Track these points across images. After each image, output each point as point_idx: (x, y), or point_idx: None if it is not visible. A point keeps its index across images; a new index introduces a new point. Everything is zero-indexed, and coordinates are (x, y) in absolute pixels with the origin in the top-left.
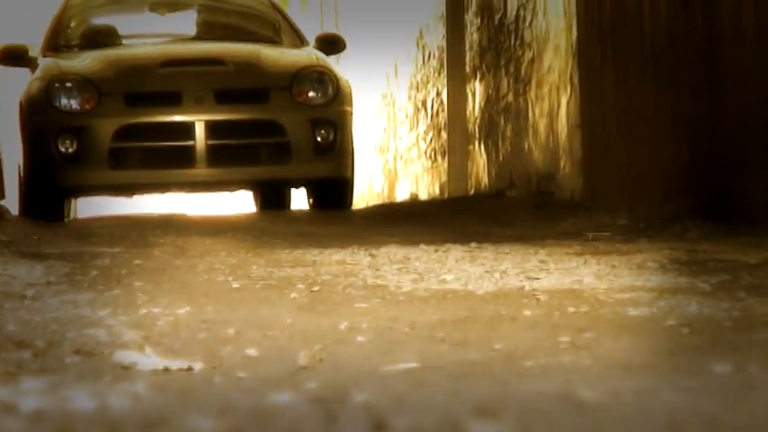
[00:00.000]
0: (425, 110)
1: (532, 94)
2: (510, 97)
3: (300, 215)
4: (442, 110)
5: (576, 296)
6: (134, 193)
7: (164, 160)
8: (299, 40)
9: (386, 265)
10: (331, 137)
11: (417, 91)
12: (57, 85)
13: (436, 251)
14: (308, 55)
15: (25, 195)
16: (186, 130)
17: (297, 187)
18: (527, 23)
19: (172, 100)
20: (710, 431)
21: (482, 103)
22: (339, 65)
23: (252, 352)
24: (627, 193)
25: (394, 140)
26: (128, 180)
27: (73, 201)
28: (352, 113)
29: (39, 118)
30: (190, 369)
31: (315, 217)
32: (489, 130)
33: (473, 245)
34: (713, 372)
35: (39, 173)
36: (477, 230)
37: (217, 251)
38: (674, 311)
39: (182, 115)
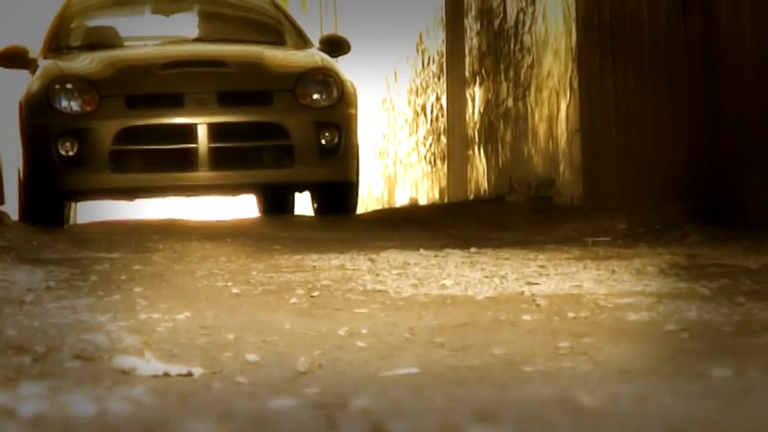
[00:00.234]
0: (425, 114)
1: (532, 98)
2: (509, 102)
3: (300, 220)
4: (442, 115)
5: (575, 301)
6: (135, 197)
7: (165, 163)
8: (303, 42)
9: (385, 270)
10: (335, 140)
11: (417, 96)
12: (57, 86)
13: (436, 256)
14: (313, 57)
15: (25, 199)
16: (188, 132)
17: (301, 191)
18: (526, 28)
19: (174, 102)
20: None
21: (482, 108)
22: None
23: (251, 357)
24: (626, 197)
25: (393, 145)
26: (129, 183)
27: (73, 205)
28: (357, 116)
29: (39, 120)
30: (189, 374)
31: (314, 222)
32: (489, 135)
33: (473, 250)
34: (713, 376)
35: (39, 176)
36: (476, 235)
37: (216, 256)
38: (674, 316)
39: (184, 117)
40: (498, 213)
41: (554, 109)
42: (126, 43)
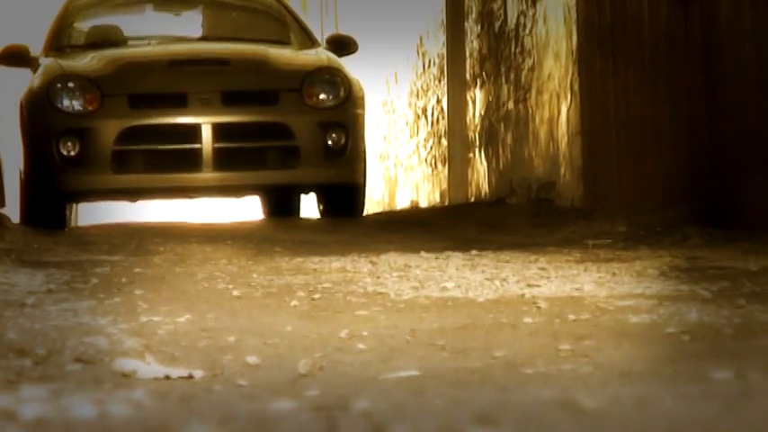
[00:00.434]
0: (426, 117)
1: (533, 101)
2: (510, 105)
3: (300, 223)
4: (443, 117)
5: (576, 303)
6: (138, 198)
7: (169, 164)
8: (310, 41)
9: (386, 272)
10: (342, 141)
11: (417, 98)
12: (59, 85)
13: (436, 259)
14: (319, 56)
15: (26, 200)
16: (192, 132)
17: (306, 193)
18: (527, 31)
19: (177, 101)
20: None
21: (482, 111)
22: None
23: (252, 360)
24: (627, 200)
25: (394, 148)
26: (131, 184)
27: (74, 207)
28: (364, 117)
29: (40, 119)
30: (190, 377)
31: (315, 225)
32: (489, 138)
33: (473, 252)
34: (714, 379)
35: (39, 176)
36: (477, 238)
37: (217, 259)
38: (675, 319)
39: (188, 117)
40: (499, 216)
41: (554, 111)
42: (129, 42)
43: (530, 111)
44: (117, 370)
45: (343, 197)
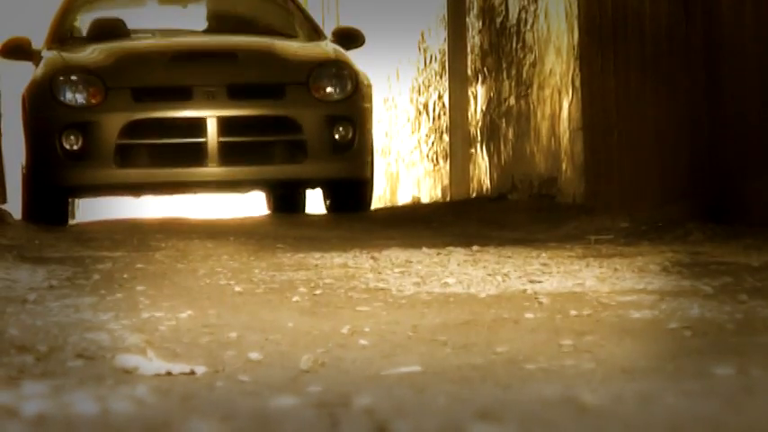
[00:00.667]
0: (427, 113)
1: (534, 97)
2: (512, 100)
3: (302, 219)
4: (444, 113)
5: (578, 299)
6: (142, 193)
7: (173, 158)
8: (316, 34)
9: (388, 268)
10: (349, 135)
11: (419, 94)
12: (61, 78)
13: (438, 254)
14: (326, 49)
15: (28, 195)
16: (197, 126)
17: (313, 188)
18: (528, 26)
19: (182, 95)
20: None
21: (484, 107)
22: None
23: (254, 356)
24: (628, 195)
25: (396, 144)
26: (135, 179)
27: (76, 202)
28: (371, 110)
29: (42, 113)
30: (192, 373)
31: (317, 220)
32: (491, 134)
33: (475, 248)
34: (715, 375)
35: (42, 171)
36: (478, 234)
37: (218, 255)
38: (677, 314)
39: (193, 111)
40: (500, 212)
41: (556, 107)
42: (132, 35)
43: (531, 106)
44: (119, 366)
45: (351, 192)
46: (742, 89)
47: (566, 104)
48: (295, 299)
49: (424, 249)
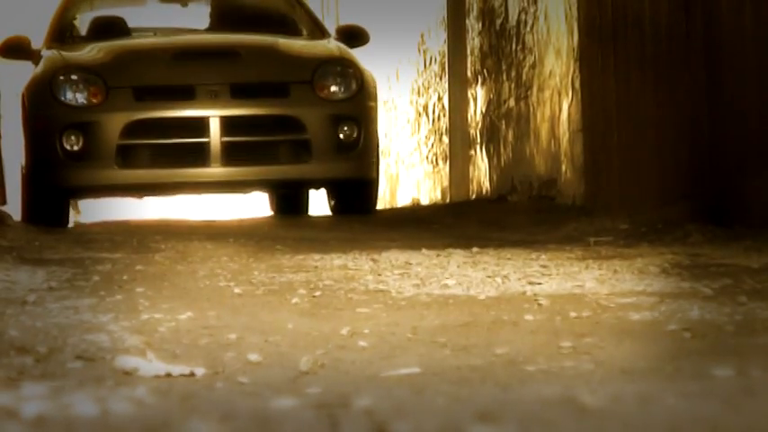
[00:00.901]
0: (427, 115)
1: (534, 98)
2: (511, 102)
3: (302, 220)
4: (444, 114)
5: (577, 301)
6: (144, 194)
7: (176, 158)
8: (320, 32)
9: (387, 270)
10: (354, 134)
11: (419, 96)
12: (61, 77)
13: (438, 256)
14: (330, 47)
15: (27, 197)
16: (200, 126)
17: (317, 188)
18: (528, 28)
19: (184, 94)
20: None
21: (483, 108)
22: None
23: (254, 357)
24: (628, 197)
25: (395, 145)
26: (137, 180)
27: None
28: (377, 109)
29: (42, 113)
30: (192, 374)
31: (316, 222)
32: (491, 135)
33: (475, 250)
34: (715, 376)
35: (42, 172)
36: (478, 235)
37: (218, 256)
38: (676, 316)
39: (195, 110)
40: (500, 213)
41: (556, 109)
42: (133, 33)
43: (531, 108)
44: (118, 367)
45: (356, 193)
46: (742, 89)
47: (565, 106)
48: (294, 300)
49: (424, 251)
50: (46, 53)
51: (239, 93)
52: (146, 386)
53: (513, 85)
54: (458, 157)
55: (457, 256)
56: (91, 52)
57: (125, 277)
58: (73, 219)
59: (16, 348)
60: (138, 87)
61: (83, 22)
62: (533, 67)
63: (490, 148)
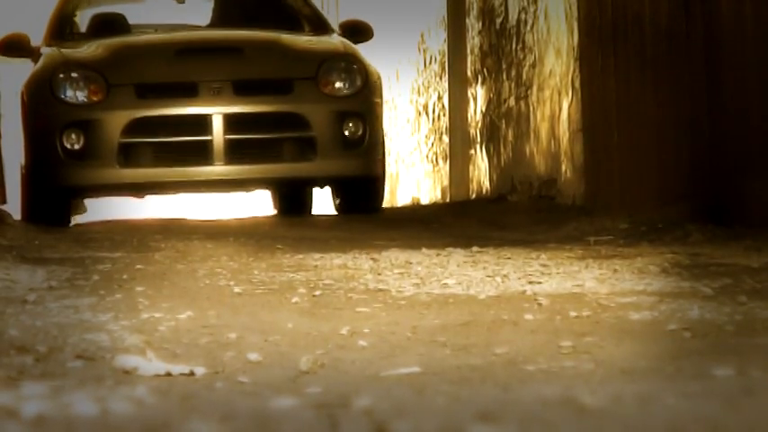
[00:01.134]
0: (427, 114)
1: (534, 98)
2: (511, 101)
3: (302, 219)
4: (444, 114)
5: (577, 300)
6: (146, 194)
7: (178, 157)
8: (324, 27)
9: (387, 269)
10: (360, 131)
11: (419, 95)
12: (61, 75)
13: (438, 255)
14: (335, 42)
15: (28, 196)
16: (203, 123)
17: (322, 186)
18: (528, 27)
19: (187, 91)
20: None
21: (483, 108)
22: None
23: (253, 357)
24: (628, 197)
25: (395, 144)
26: (139, 178)
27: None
28: (382, 106)
29: (42, 111)
30: (191, 374)
31: (316, 221)
32: (491, 135)
33: (474, 249)
34: (715, 376)
35: (42, 171)
36: (478, 235)
37: (218, 256)
38: (676, 316)
39: (198, 108)
40: (500, 213)
41: (556, 108)
42: (134, 30)
43: (531, 108)
44: (118, 367)
45: (362, 191)
46: (742, 89)
47: (565, 105)
48: (294, 300)
49: (424, 250)
50: (45, 50)
51: (242, 89)
52: (145, 385)
53: (513, 85)
54: (458, 156)
55: (457, 256)
56: (91, 49)
57: (125, 276)
58: (73, 218)
59: (16, 348)
60: (140, 85)
61: (83, 19)
62: (533, 66)
63: (490, 148)
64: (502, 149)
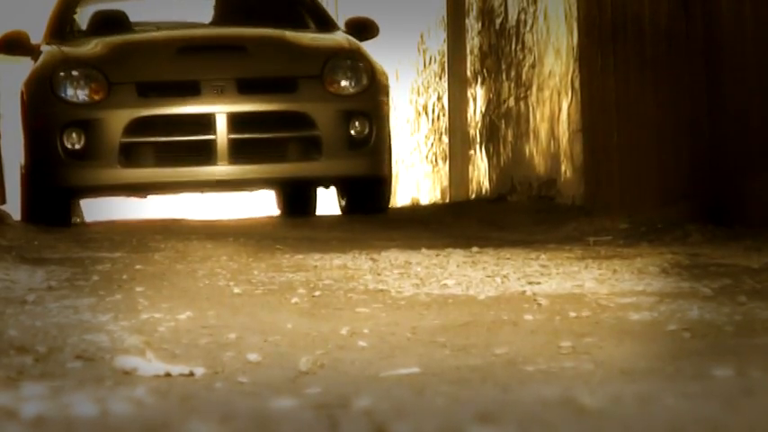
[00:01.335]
0: (426, 114)
1: (533, 98)
2: (511, 102)
3: (302, 220)
4: (443, 114)
5: (577, 301)
6: (148, 194)
7: (181, 157)
8: (329, 24)
9: (387, 269)
10: (366, 130)
11: (418, 95)
12: (62, 73)
13: (437, 256)
14: (340, 39)
15: (27, 196)
16: (206, 123)
17: (327, 186)
18: (528, 27)
19: (189, 90)
20: None
21: (483, 108)
22: None
23: (253, 357)
24: (628, 197)
25: (395, 145)
26: (141, 179)
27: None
28: (389, 104)
29: (42, 110)
30: (191, 374)
31: (316, 222)
32: (490, 135)
33: (474, 249)
34: (715, 376)
35: (42, 171)
36: (478, 235)
37: (218, 256)
38: (676, 316)
39: (200, 107)
40: (500, 213)
41: (555, 109)
42: (136, 27)
43: (530, 108)
44: (118, 367)
45: (368, 191)
46: (742, 89)
47: (565, 106)
48: (294, 300)
49: (424, 251)
50: (45, 48)
51: (246, 88)
52: (145, 386)
53: (512, 85)
54: (457, 156)
55: (456, 256)
56: (92, 47)
57: (124, 277)
58: (73, 220)
59: (16, 348)
60: (142, 83)
61: (83, 17)
62: (533, 66)
63: (490, 148)
64: (501, 150)
